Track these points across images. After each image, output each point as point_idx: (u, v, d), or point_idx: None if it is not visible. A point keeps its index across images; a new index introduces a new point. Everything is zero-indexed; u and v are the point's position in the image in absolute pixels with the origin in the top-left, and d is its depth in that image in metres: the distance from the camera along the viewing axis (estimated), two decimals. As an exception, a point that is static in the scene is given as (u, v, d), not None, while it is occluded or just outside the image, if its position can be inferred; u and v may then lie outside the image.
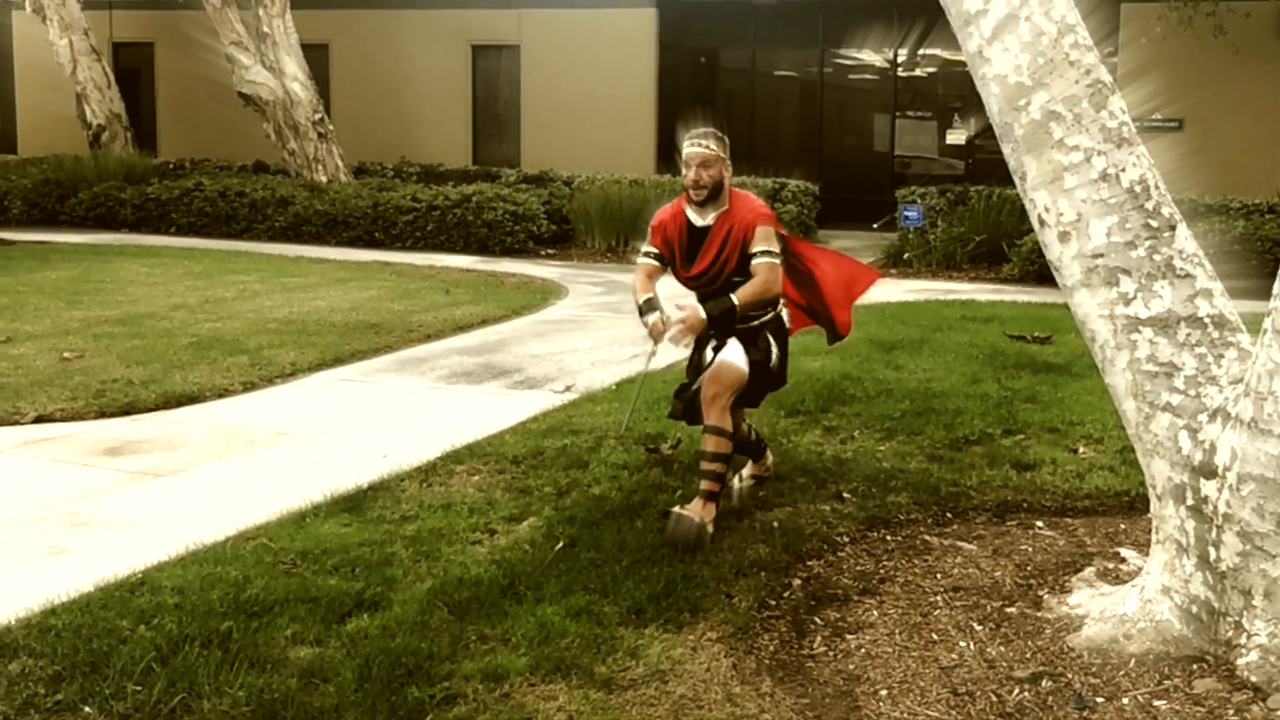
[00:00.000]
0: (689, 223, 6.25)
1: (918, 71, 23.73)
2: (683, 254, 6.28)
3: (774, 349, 6.21)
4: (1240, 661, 4.31)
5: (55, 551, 5.84)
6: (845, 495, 6.47)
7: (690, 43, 24.02)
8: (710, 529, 5.77)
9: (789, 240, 6.56)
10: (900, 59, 23.35)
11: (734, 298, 6.00)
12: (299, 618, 4.88)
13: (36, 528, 6.17)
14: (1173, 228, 4.56)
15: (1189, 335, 4.47)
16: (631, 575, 5.33)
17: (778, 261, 6.12)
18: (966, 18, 4.83)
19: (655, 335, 6.19)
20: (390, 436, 7.92)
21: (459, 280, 14.98)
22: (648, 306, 6.22)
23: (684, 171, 6.22)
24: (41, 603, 5.02)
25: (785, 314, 6.36)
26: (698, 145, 6.18)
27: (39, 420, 8.20)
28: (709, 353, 6.19)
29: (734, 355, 6.04)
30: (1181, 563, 4.52)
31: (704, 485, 5.90)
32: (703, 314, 5.99)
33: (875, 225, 20.41)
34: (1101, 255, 4.56)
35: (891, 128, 23.39)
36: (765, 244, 6.09)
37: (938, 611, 5.06)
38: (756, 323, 6.15)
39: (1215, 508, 4.35)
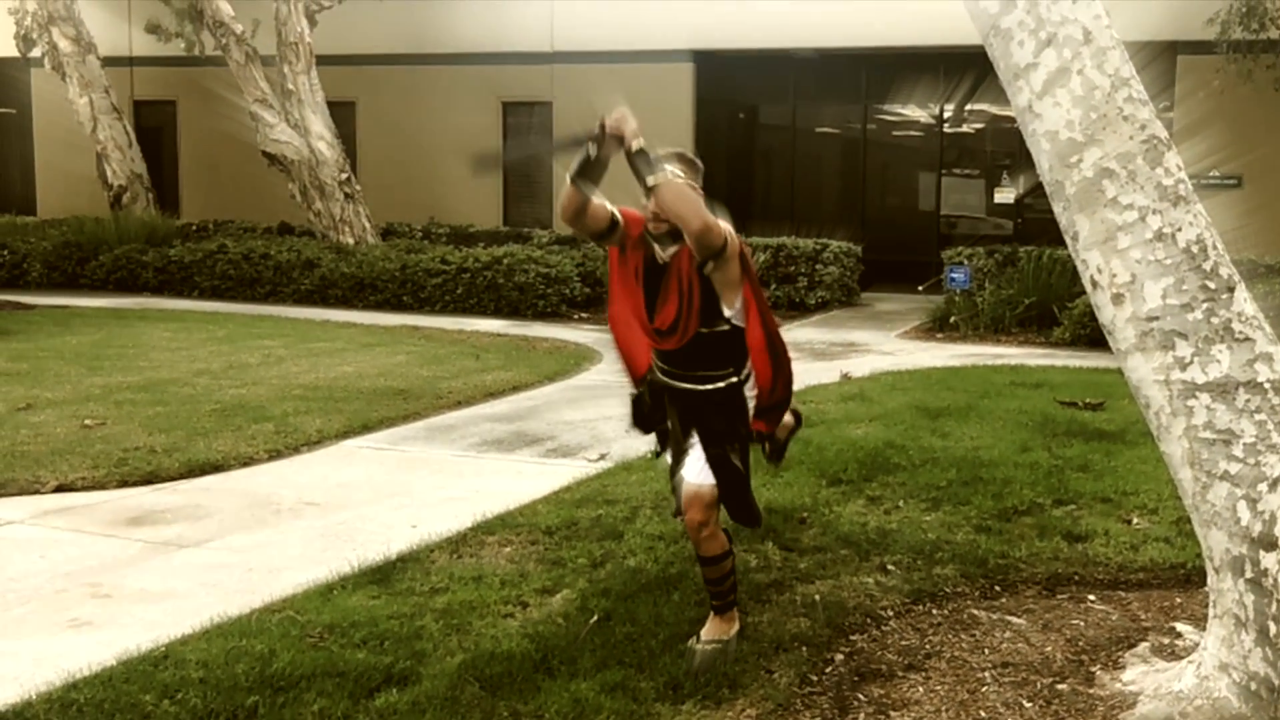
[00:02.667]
0: (651, 254, 5.68)
1: (965, 127, 23.83)
2: (645, 292, 5.67)
3: (736, 440, 5.64)
4: (1301, 740, 4.31)
5: (77, 624, 5.90)
6: (889, 567, 6.48)
7: (729, 98, 24.15)
8: (734, 632, 5.63)
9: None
10: (947, 114, 23.45)
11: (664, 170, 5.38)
12: (326, 693, 4.91)
13: (57, 599, 6.23)
14: (1231, 289, 4.55)
15: (1248, 401, 4.46)
16: (668, 650, 5.35)
17: (719, 226, 5.39)
18: (1016, 71, 4.82)
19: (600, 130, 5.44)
20: (419, 506, 7.98)
21: (489, 345, 15.05)
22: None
23: (645, 203, 5.54)
24: (63, 676, 5.08)
25: (750, 389, 5.75)
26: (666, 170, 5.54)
27: (60, 489, 8.27)
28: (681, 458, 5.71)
29: (693, 475, 5.54)
30: (1240, 638, 4.51)
31: (715, 604, 5.73)
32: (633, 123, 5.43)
33: (921, 288, 20.44)
34: (1157, 318, 4.55)
35: (937, 186, 23.47)
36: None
37: (986, 688, 5.06)
38: (711, 387, 5.60)
39: (1276, 580, 4.35)
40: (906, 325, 17.78)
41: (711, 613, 5.65)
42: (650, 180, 5.34)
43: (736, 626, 5.65)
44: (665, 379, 5.73)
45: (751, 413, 5.75)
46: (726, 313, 5.53)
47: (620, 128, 5.42)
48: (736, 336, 5.63)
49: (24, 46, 25.12)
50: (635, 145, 5.40)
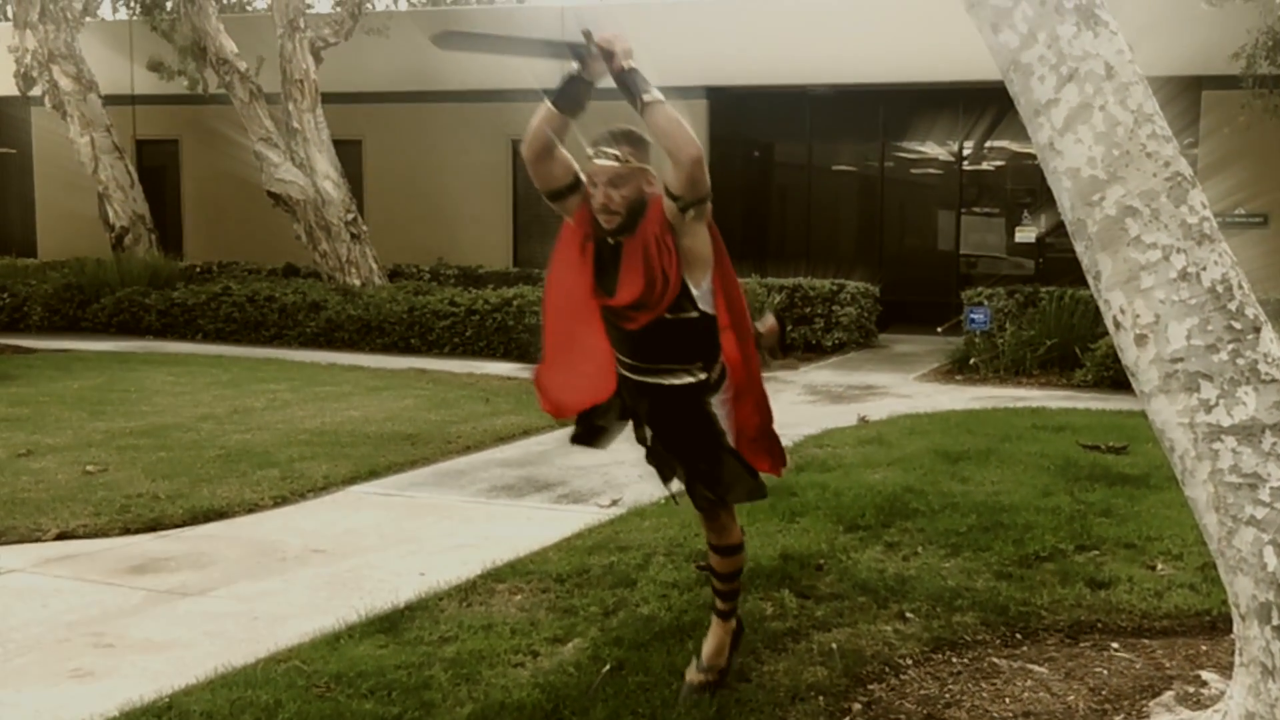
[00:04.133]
0: (601, 237, 5.35)
1: (985, 165, 23.88)
2: (595, 272, 5.37)
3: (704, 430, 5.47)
4: (1331, 792, 4.30)
5: (78, 674, 5.92)
6: (908, 615, 6.48)
7: (743, 135, 24.23)
8: (726, 649, 5.67)
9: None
10: (966, 152, 23.51)
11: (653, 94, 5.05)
12: (333, 744, 4.93)
13: (59, 649, 6.25)
14: (1257, 330, 4.55)
15: (1275, 444, 4.46)
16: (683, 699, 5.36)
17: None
18: (1037, 107, 4.81)
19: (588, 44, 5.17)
20: (428, 553, 8.00)
21: (499, 389, 15.09)
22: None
23: (590, 191, 5.27)
24: (65, 728, 5.10)
25: (721, 400, 5.52)
26: (606, 156, 5.22)
27: (61, 537, 8.30)
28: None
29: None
30: (1267, 686, 4.51)
31: (719, 606, 5.77)
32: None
33: (940, 329, 20.45)
34: (1181, 359, 4.55)
35: (957, 225, 23.51)
36: None
37: (1008, 738, 5.06)
38: (678, 382, 5.40)
39: (1302, 627, 4.35)
40: (925, 367, 17.80)
41: (714, 618, 5.71)
42: (646, 97, 5.03)
43: (731, 636, 5.70)
44: (626, 373, 5.50)
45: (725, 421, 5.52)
46: (694, 293, 5.27)
47: (611, 44, 5.12)
48: (706, 327, 5.39)
49: (24, 85, 25.22)
50: (627, 64, 5.10)
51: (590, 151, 5.29)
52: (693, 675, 5.54)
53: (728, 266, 5.47)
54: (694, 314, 5.29)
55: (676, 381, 5.39)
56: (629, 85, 5.08)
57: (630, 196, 5.18)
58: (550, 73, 5.39)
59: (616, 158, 5.19)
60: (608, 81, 5.13)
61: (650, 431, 5.61)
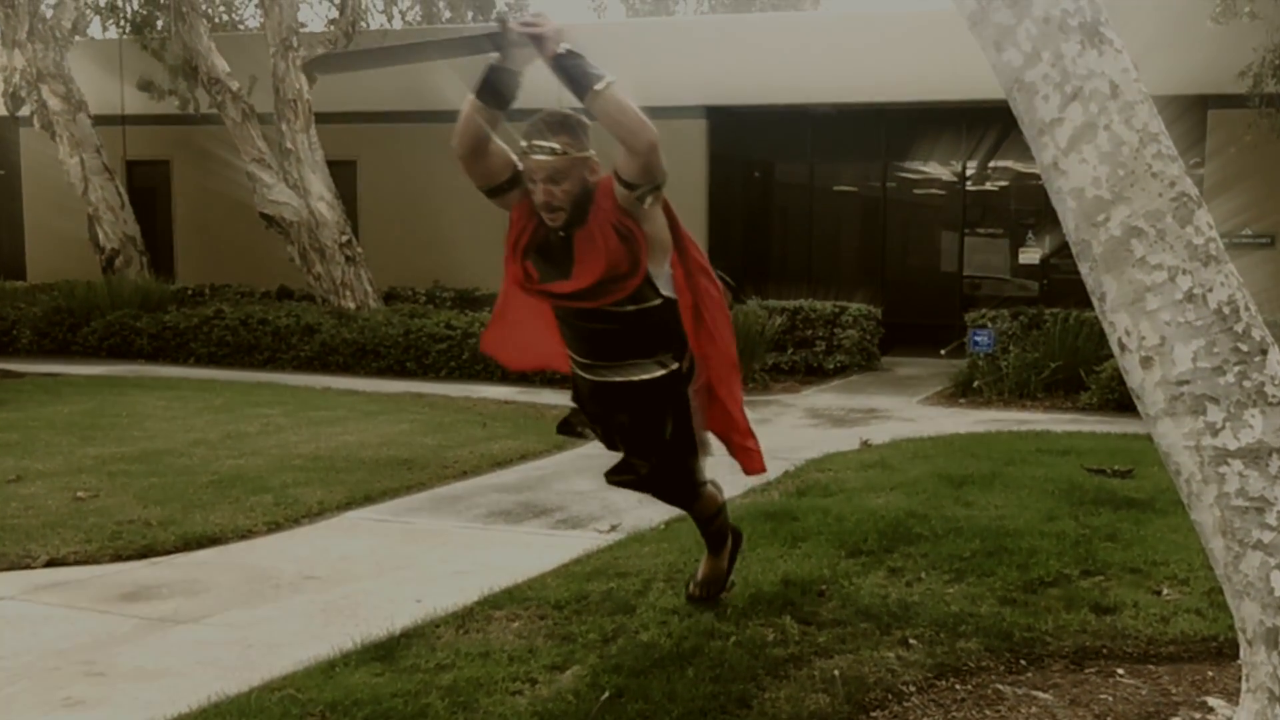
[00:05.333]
0: (544, 225, 5.13)
1: (988, 185, 23.92)
2: (542, 264, 5.19)
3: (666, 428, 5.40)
4: (1341, 820, 4.31)
5: (70, 703, 5.93)
6: (911, 641, 6.49)
7: (743, 155, 24.27)
8: (721, 573, 5.85)
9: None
10: (969, 172, 23.56)
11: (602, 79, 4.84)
12: (329, 774, 4.94)
13: (49, 678, 6.25)
14: (1264, 352, 4.57)
15: (1282, 468, 4.49)
16: (683, 728, 5.38)
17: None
18: (1041, 127, 4.81)
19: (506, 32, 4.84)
20: (424, 580, 8.01)
21: (497, 413, 15.11)
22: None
23: (530, 187, 5.04)
24: (56, 758, 5.11)
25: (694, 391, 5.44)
26: (541, 150, 4.97)
27: (51, 564, 8.31)
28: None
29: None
30: (1274, 712, 4.52)
31: (710, 545, 5.92)
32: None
33: (943, 351, 20.47)
34: (1187, 382, 4.56)
35: (960, 246, 23.55)
36: None
37: (1014, 766, 5.07)
38: (649, 376, 5.30)
39: (1310, 653, 4.36)
40: (928, 390, 17.82)
41: (706, 554, 6.04)
42: (598, 85, 4.75)
43: (727, 558, 5.84)
44: (586, 375, 5.36)
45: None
46: (654, 277, 5.09)
47: (536, 27, 4.77)
48: (671, 313, 5.21)
49: (12, 105, 25.29)
50: (562, 48, 4.78)
51: (523, 144, 5.03)
52: (691, 589, 6.18)
53: (687, 241, 5.30)
54: (657, 301, 5.15)
55: (646, 376, 5.26)
56: (569, 73, 4.80)
57: (573, 190, 4.98)
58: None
59: (554, 150, 4.95)
60: (528, 100, 4.95)
61: (619, 437, 5.57)
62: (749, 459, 5.89)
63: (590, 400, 5.51)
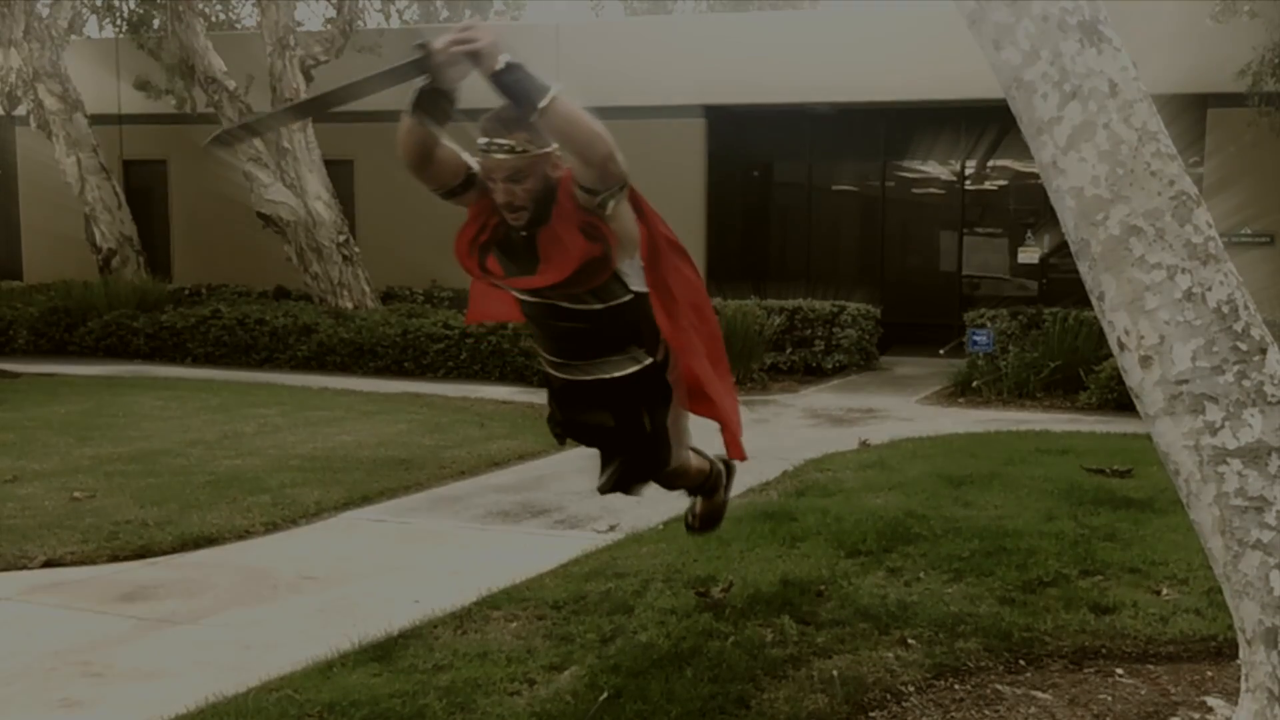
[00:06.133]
0: (506, 224, 4.92)
1: (987, 184, 23.92)
2: (505, 260, 5.02)
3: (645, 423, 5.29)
4: (1340, 819, 4.31)
5: (67, 704, 5.93)
6: (910, 641, 6.49)
7: (742, 155, 24.25)
8: (722, 502, 5.90)
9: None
10: (968, 171, 23.56)
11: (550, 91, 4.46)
12: (327, 774, 4.94)
13: (47, 679, 6.26)
14: (1263, 351, 4.58)
15: (1281, 467, 4.49)
16: (682, 728, 5.38)
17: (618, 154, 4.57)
18: (1040, 126, 4.81)
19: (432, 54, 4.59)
20: (422, 580, 8.01)
21: (495, 413, 15.10)
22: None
23: (490, 187, 4.81)
24: (53, 758, 5.11)
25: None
26: (500, 149, 4.70)
27: (48, 564, 8.31)
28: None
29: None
30: (1274, 712, 4.52)
31: (706, 495, 5.98)
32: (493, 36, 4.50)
33: (942, 351, 20.48)
34: (1186, 381, 4.57)
35: (959, 246, 23.55)
36: None
37: (1013, 767, 5.07)
38: (624, 372, 5.16)
39: (1309, 652, 4.36)
40: (927, 390, 17.83)
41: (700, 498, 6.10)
42: (542, 101, 4.41)
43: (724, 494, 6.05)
44: (559, 374, 5.26)
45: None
46: (622, 274, 4.93)
47: (467, 44, 4.49)
48: (640, 309, 5.06)
49: (8, 104, 25.28)
50: (500, 62, 4.46)
51: (481, 143, 4.76)
52: (690, 521, 6.39)
53: (657, 227, 5.12)
54: (627, 297, 5.01)
55: (621, 373, 5.15)
56: (511, 90, 4.51)
57: (535, 188, 4.74)
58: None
59: (512, 149, 4.68)
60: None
61: (599, 437, 5.53)
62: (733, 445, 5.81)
63: (565, 400, 5.45)
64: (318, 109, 5.29)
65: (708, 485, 6.12)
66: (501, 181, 4.68)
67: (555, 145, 4.69)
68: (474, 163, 4.85)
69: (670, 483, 5.88)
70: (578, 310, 5.03)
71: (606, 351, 5.12)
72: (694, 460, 5.89)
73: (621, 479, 5.65)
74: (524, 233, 4.86)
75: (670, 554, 7.98)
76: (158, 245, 26.30)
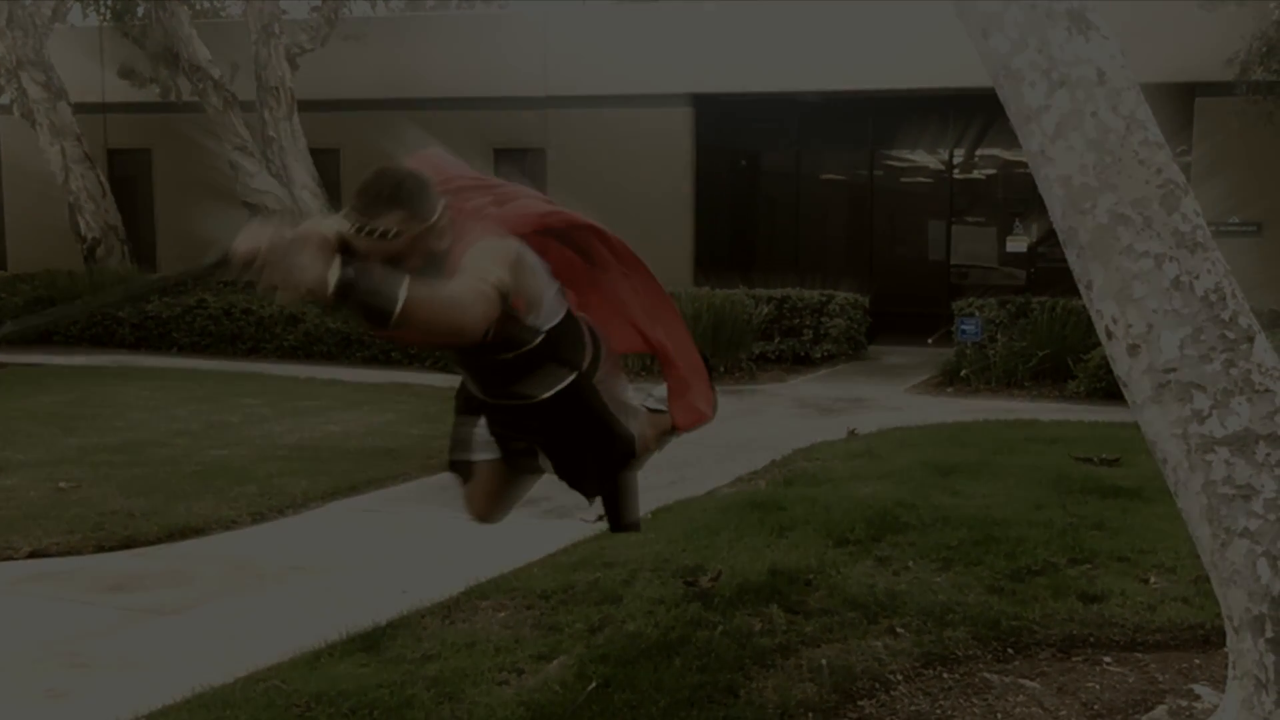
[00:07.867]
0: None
1: (975, 173, 23.94)
2: None
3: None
4: (1328, 807, 4.33)
5: (54, 695, 5.93)
6: (899, 630, 6.51)
7: (730, 144, 24.26)
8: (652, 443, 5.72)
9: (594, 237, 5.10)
10: (956, 160, 23.58)
11: (402, 288, 3.69)
12: (314, 764, 4.94)
13: (33, 669, 6.26)
14: (1251, 339, 4.58)
15: (1269, 455, 4.48)
16: (669, 717, 5.38)
17: (489, 289, 3.98)
18: (1027, 114, 4.82)
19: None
20: (410, 570, 8.02)
21: (482, 402, 15.03)
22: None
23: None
24: (40, 749, 5.11)
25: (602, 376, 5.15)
26: (374, 234, 4.06)
27: (33, 555, 8.30)
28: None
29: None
30: (1261, 699, 4.54)
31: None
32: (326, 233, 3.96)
33: (930, 340, 20.52)
34: (1173, 369, 4.57)
35: (947, 235, 23.56)
36: (474, 263, 4.10)
37: (1001, 755, 5.09)
38: (550, 393, 4.91)
39: (1297, 640, 4.37)
40: (916, 379, 17.85)
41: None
42: (394, 313, 3.68)
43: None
44: (485, 398, 5.11)
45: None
46: (532, 322, 4.64)
47: (266, 278, 3.74)
48: (557, 339, 4.83)
49: (-9, 93, 25.27)
50: (331, 286, 3.64)
51: (352, 225, 4.09)
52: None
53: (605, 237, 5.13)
54: (537, 341, 4.73)
55: (548, 394, 4.95)
56: (358, 310, 3.72)
57: (419, 264, 4.13)
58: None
59: (385, 234, 4.08)
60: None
61: (543, 452, 5.44)
62: (685, 413, 5.69)
63: (494, 420, 5.30)
64: (96, 305, 5.04)
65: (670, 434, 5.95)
66: (379, 264, 3.97)
67: (438, 212, 4.24)
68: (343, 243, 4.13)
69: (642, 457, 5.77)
70: (491, 359, 4.83)
71: (528, 380, 4.90)
72: (649, 429, 5.79)
73: (607, 493, 5.60)
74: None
75: (658, 543, 7.99)
76: (143, 234, 26.24)
